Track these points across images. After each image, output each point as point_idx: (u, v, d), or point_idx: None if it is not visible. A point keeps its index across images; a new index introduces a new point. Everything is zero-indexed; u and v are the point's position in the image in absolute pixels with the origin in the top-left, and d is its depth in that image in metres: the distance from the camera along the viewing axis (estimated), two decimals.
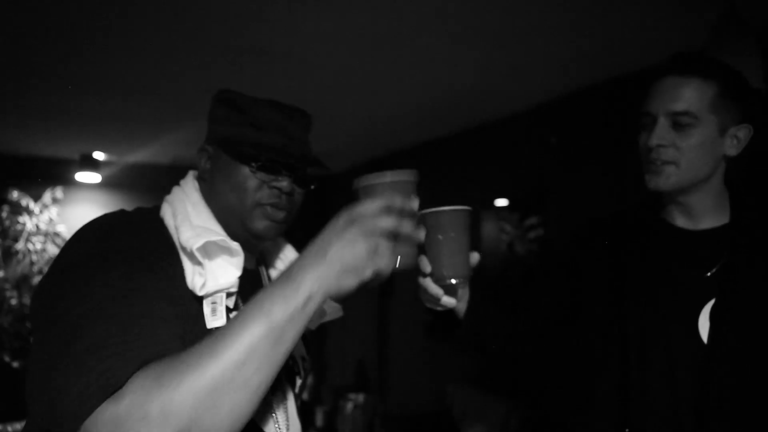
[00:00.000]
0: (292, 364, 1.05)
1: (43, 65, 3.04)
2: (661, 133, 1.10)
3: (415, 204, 0.81)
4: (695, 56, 1.15)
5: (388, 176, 0.83)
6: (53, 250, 5.11)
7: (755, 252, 1.14)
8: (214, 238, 0.89)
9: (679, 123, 1.10)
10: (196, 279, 0.87)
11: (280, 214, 0.98)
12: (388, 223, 0.76)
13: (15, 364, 4.88)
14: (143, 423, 0.66)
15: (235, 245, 0.92)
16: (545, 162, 3.48)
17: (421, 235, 0.82)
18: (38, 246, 5.10)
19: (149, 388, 0.67)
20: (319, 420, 5.09)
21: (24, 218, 5.09)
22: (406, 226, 0.79)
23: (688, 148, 1.10)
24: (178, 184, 1.02)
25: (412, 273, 0.94)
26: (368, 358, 5.31)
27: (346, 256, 0.74)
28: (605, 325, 1.19)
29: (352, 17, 2.41)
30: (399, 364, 5.00)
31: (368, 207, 0.77)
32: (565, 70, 2.99)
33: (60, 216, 5.24)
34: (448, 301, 1.07)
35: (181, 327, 0.81)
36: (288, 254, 1.15)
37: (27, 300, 4.95)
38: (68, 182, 5.25)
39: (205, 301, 0.89)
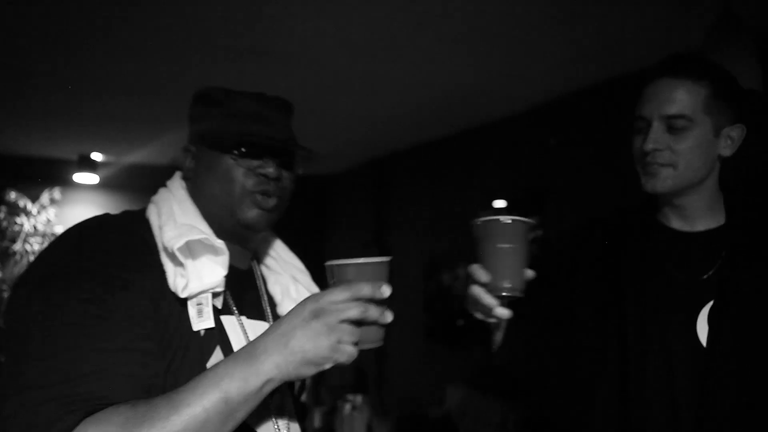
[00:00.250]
0: None
1: (41, 65, 3.03)
2: (656, 137, 1.09)
3: (386, 290, 0.80)
4: (686, 58, 1.14)
5: (361, 260, 0.82)
6: None
7: (752, 253, 1.13)
8: (197, 236, 0.87)
9: (674, 126, 1.09)
10: (178, 280, 0.85)
11: (271, 202, 0.95)
12: (354, 313, 0.77)
13: None
14: None
15: (220, 243, 0.90)
16: (545, 162, 3.48)
17: (389, 317, 0.81)
18: (36, 247, 5.08)
19: None
20: (318, 421, 5.08)
21: (21, 219, 5.08)
22: (373, 313, 0.79)
23: (684, 151, 1.09)
24: (164, 185, 1.01)
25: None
26: (367, 358, 5.30)
27: (308, 348, 0.75)
28: (603, 328, 1.18)
29: (351, 17, 2.41)
30: (398, 365, 4.99)
31: (335, 296, 0.77)
32: (565, 71, 2.99)
33: (58, 217, 5.22)
34: (502, 312, 1.01)
35: (158, 337, 0.80)
36: (281, 253, 1.12)
37: None
38: (66, 183, 5.24)
39: (189, 303, 0.87)
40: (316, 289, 1.09)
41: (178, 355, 0.83)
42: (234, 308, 0.95)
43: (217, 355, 0.88)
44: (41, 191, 5.17)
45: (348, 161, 5.39)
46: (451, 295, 4.29)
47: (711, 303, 1.11)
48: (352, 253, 1.34)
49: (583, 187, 3.20)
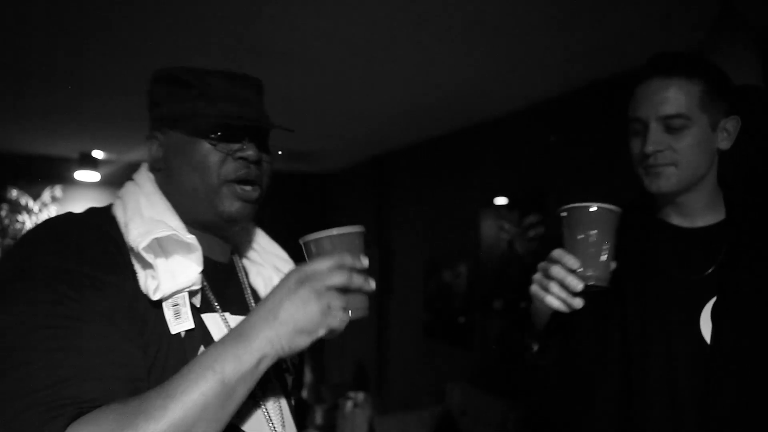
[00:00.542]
0: (281, 361, 0.97)
1: (43, 64, 3.04)
2: (656, 139, 1.09)
3: (364, 259, 0.80)
4: (676, 55, 1.13)
5: (335, 231, 0.82)
6: None
7: (753, 248, 1.13)
8: (164, 233, 0.80)
9: (672, 126, 1.09)
10: (149, 282, 0.79)
11: (254, 194, 0.90)
12: (339, 280, 0.76)
13: None
14: None
15: (190, 238, 0.83)
16: (545, 160, 3.49)
17: (372, 284, 0.80)
18: None
19: None
20: (319, 418, 5.09)
21: (23, 217, 5.09)
22: (357, 280, 0.78)
23: (684, 149, 1.09)
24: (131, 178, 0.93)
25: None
26: (368, 356, 5.31)
27: (299, 317, 0.74)
28: (603, 328, 1.18)
29: (351, 17, 2.41)
30: (398, 363, 5.00)
31: (319, 265, 0.76)
32: (565, 69, 2.98)
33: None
34: (578, 303, 1.00)
35: (138, 340, 0.76)
36: (262, 243, 1.07)
37: None
38: (67, 181, 5.25)
39: (164, 305, 0.81)
40: None
41: (159, 360, 0.78)
42: (216, 305, 0.90)
43: None
44: (43, 189, 5.18)
45: (348, 159, 5.39)
46: (452, 293, 4.30)
47: (714, 300, 1.11)
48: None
49: (582, 185, 3.20)
